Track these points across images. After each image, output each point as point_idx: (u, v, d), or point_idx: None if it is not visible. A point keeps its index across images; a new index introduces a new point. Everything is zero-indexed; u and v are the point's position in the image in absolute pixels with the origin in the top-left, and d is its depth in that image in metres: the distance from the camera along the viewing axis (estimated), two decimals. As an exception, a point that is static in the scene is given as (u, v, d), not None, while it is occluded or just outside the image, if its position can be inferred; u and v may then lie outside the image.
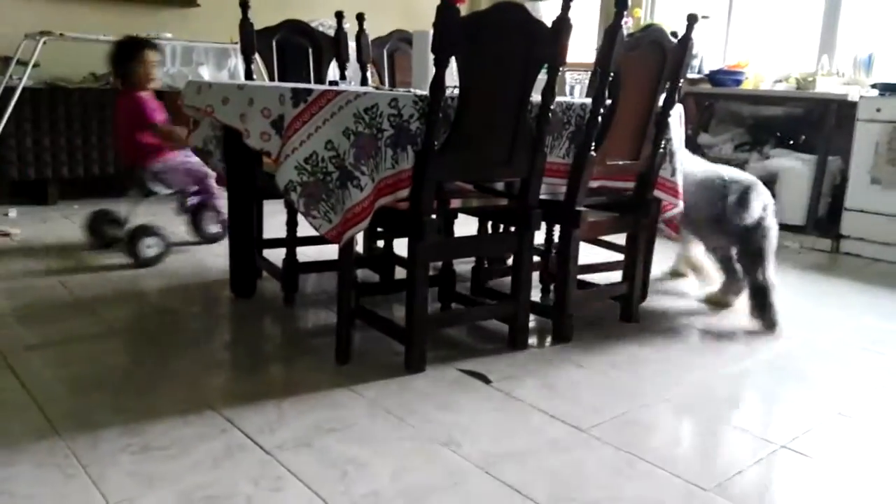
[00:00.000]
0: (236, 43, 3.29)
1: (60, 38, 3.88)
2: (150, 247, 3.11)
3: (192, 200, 3.45)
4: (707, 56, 4.97)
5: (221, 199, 3.22)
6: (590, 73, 3.02)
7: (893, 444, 1.85)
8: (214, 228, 3.55)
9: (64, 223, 3.89)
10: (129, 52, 3.24)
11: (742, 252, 2.73)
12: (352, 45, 3.19)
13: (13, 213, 3.99)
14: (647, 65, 2.38)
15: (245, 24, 2.87)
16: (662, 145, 2.58)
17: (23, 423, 1.71)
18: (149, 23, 4.81)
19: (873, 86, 4.03)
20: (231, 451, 1.62)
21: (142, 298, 2.71)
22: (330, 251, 2.16)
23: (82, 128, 4.33)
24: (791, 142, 4.50)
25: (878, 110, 3.86)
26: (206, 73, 4.71)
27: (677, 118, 2.72)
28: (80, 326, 2.38)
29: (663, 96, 2.49)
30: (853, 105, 3.98)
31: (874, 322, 2.84)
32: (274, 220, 2.87)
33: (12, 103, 3.80)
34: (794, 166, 4.26)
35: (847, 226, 4.03)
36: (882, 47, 4.33)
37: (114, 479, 1.49)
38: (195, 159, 3.09)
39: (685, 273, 3.28)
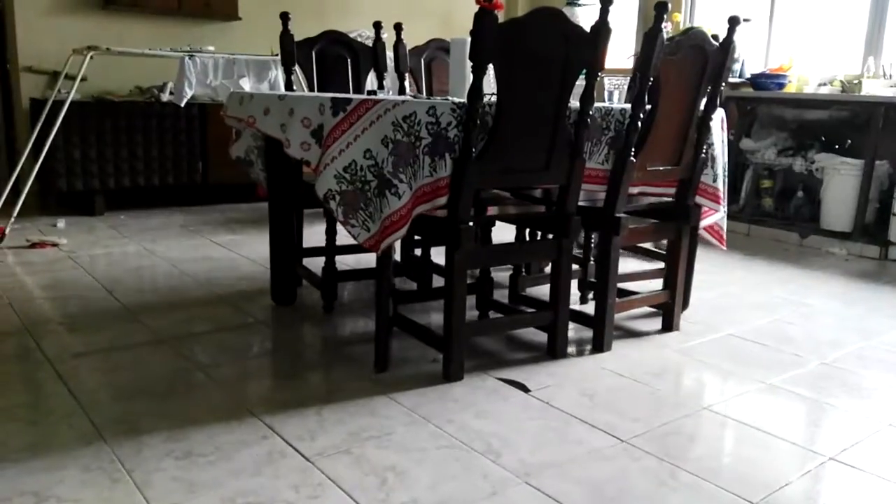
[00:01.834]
0: (277, 55, 3.34)
1: (107, 53, 3.99)
2: None
3: None
4: (749, 59, 4.89)
5: None
6: (629, 78, 2.99)
7: (951, 458, 1.78)
8: None
9: (110, 233, 3.99)
10: None
11: None
12: (390, 54, 3.21)
13: (61, 223, 4.10)
14: (687, 69, 2.35)
15: (285, 36, 2.92)
16: (704, 150, 2.54)
17: (70, 428, 1.75)
18: (192, 36, 4.94)
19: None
20: (272, 458, 1.63)
21: (185, 307, 2.76)
22: (368, 259, 2.18)
23: (128, 140, 4.45)
24: (836, 146, 4.39)
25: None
26: (247, 85, 4.79)
27: (719, 122, 2.67)
28: (125, 334, 2.43)
29: (704, 100, 2.46)
30: (902, 107, 3.87)
31: (928, 331, 2.74)
32: (314, 229, 2.90)
33: (61, 117, 3.92)
34: (840, 171, 4.15)
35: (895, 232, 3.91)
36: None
37: (158, 484, 1.51)
38: None
39: None
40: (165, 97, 4.63)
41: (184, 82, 4.46)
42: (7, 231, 3.65)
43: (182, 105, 4.36)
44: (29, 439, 1.68)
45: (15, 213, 3.77)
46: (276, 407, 1.89)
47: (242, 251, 3.60)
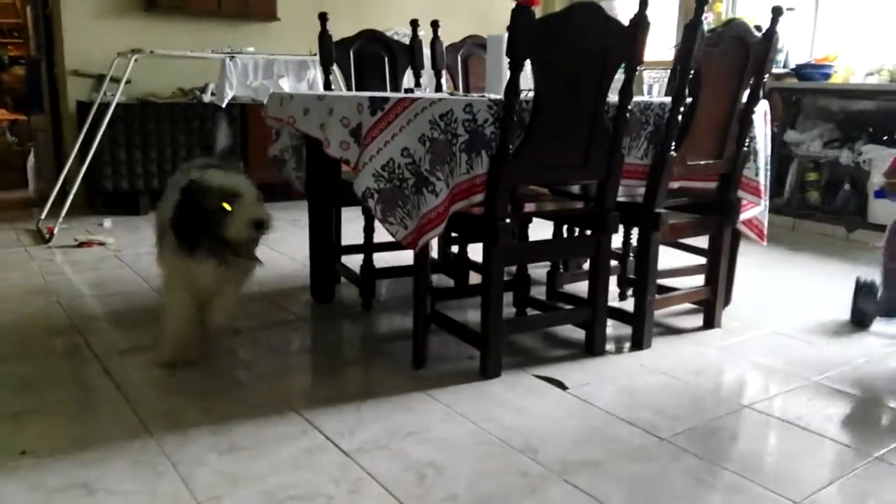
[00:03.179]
0: (315, 54, 3.38)
1: (150, 56, 4.08)
2: None
3: None
4: (793, 50, 4.77)
5: None
6: (668, 71, 2.94)
7: None
8: None
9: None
10: None
11: None
12: (427, 52, 3.22)
13: (108, 222, 4.21)
14: (729, 61, 2.31)
15: (323, 36, 2.95)
16: (746, 143, 2.49)
17: (117, 423, 1.80)
18: (232, 37, 5.01)
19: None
20: (312, 453, 1.65)
21: (226, 303, 2.81)
22: (406, 256, 2.19)
23: (171, 140, 4.54)
24: (884, 137, 4.25)
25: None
26: (286, 85, 4.85)
27: (762, 115, 2.62)
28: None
29: (747, 93, 2.41)
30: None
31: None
32: (351, 227, 2.92)
33: (106, 119, 4.02)
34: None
35: (950, 225, 3.77)
36: None
37: (202, 477, 1.54)
38: None
39: None
40: (207, 98, 4.71)
41: (225, 83, 4.54)
42: (55, 231, 3.76)
43: (223, 106, 4.44)
44: (78, 433, 1.73)
45: (63, 214, 3.88)
46: (315, 402, 1.92)
47: (282, 249, 3.65)
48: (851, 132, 4.37)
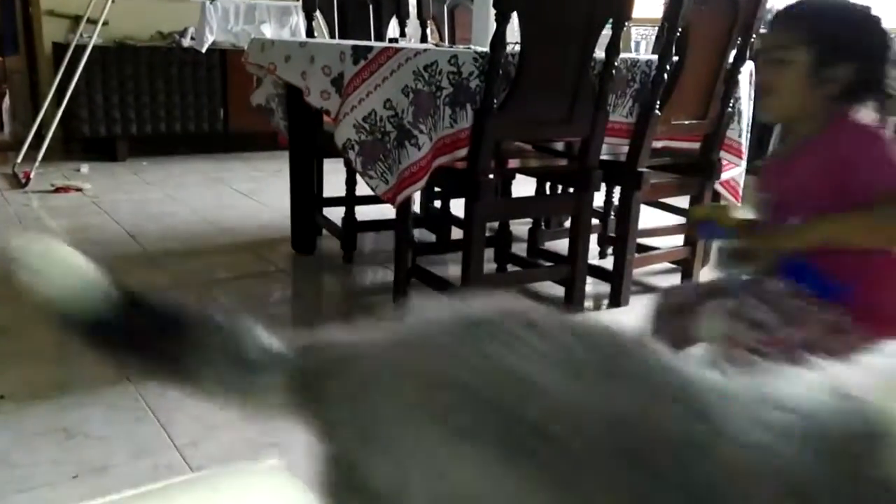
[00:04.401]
0: (298, 0, 3.30)
1: (128, -3, 3.96)
2: None
3: None
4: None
5: None
6: (657, 28, 2.92)
7: None
8: None
9: (132, 179, 4.03)
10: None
11: None
12: (412, 1, 3.16)
13: (85, 168, 4.14)
14: (717, 20, 2.28)
15: (306, -19, 2.88)
16: (731, 104, 2.48)
17: (96, 368, 1.79)
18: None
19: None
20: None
21: (207, 254, 2.80)
22: (389, 210, 2.18)
23: (150, 86, 4.44)
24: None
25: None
26: (268, 31, 4.75)
27: (748, 76, 2.61)
28: (148, 279, 2.48)
29: (734, 52, 2.39)
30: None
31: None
32: (334, 178, 2.90)
33: (83, 61, 3.92)
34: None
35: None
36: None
37: (180, 422, 1.56)
38: None
39: None
40: (186, 42, 4.60)
41: (205, 27, 4.44)
42: (32, 175, 3.70)
43: (203, 51, 4.34)
44: (57, 378, 1.74)
45: (39, 158, 3.80)
46: (295, 353, 1.92)
47: (263, 199, 3.62)
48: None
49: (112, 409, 1.60)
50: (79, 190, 3.63)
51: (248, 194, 3.69)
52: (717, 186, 2.67)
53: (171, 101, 4.51)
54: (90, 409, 1.60)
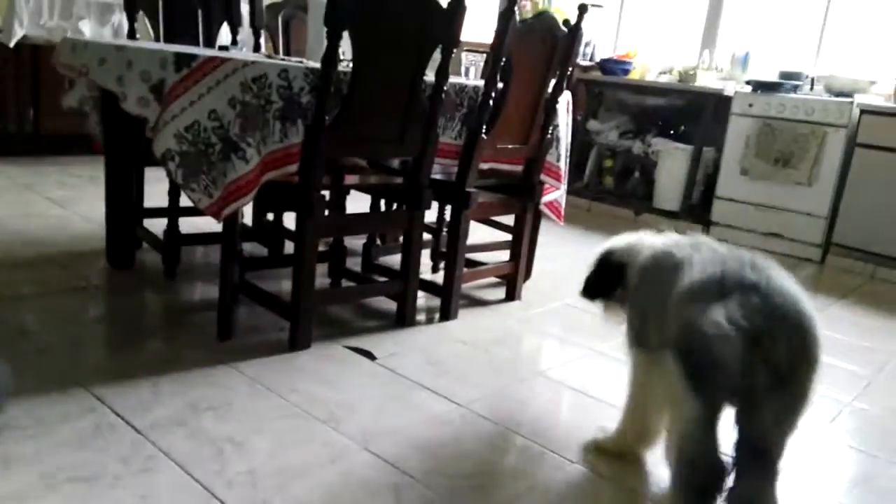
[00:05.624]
0: (119, -3, 3.10)
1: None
2: None
3: None
4: (599, 44, 5.14)
5: None
6: (485, 54, 3.06)
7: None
8: None
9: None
10: None
11: None
12: (245, 8, 3.07)
13: None
14: (537, 51, 2.44)
15: (128, -22, 2.71)
16: (550, 131, 2.66)
17: None
18: (20, -32, 4.43)
19: (748, 82, 4.30)
20: (100, 431, 1.56)
21: (9, 268, 2.53)
22: (216, 222, 2.10)
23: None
24: (672, 131, 4.75)
25: (751, 105, 4.13)
26: (86, 29, 4.41)
27: (565, 105, 2.81)
28: (-68, 297, 2.20)
29: (553, 83, 2.57)
30: (729, 99, 4.24)
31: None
32: (158, 188, 2.75)
33: None
34: (672, 155, 4.50)
35: (717, 213, 4.31)
36: (758, 45, 4.63)
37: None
38: None
39: None
40: (-12, 34, 4.15)
41: (13, 19, 4.05)
42: None
43: (11, 45, 3.95)
44: None
45: None
46: (107, 377, 1.80)
47: (77, 209, 3.34)
48: (644, 125, 4.82)
49: None
50: None
51: (61, 203, 3.40)
52: (542, 208, 2.85)
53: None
54: None
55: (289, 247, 2.88)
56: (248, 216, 2.96)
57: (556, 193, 2.84)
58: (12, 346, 1.93)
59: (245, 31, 3.15)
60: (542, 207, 2.85)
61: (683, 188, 4.46)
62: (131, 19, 2.78)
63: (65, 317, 2.16)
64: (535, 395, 2.01)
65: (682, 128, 4.71)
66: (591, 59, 5.04)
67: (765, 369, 1.22)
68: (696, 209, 4.50)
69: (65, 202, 3.43)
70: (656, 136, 4.69)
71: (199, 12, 3.03)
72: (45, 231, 2.97)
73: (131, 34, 2.78)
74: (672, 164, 4.50)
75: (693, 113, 4.53)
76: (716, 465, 1.28)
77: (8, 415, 1.57)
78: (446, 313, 2.49)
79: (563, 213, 2.95)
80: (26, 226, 3.00)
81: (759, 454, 1.29)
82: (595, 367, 2.24)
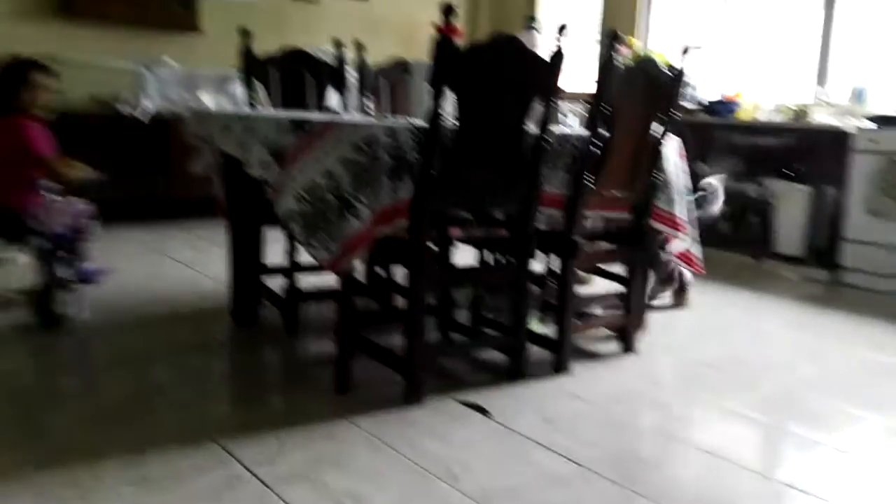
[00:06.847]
0: (238, 68, 3.32)
1: (61, 63, 3.91)
2: (64, 302, 2.61)
3: (45, 243, 2.61)
4: (703, 86, 5.03)
5: (88, 243, 2.77)
6: (587, 103, 3.05)
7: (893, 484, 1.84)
8: (65, 273, 2.64)
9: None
10: (16, 75, 2.88)
11: None
12: (353, 72, 3.22)
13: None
14: (640, 97, 2.41)
15: (246, 52, 2.90)
16: (657, 176, 2.60)
17: (24, 452, 1.70)
18: (151, 47, 4.86)
19: (871, 118, 4.06)
20: (231, 483, 1.61)
21: (144, 327, 2.71)
22: (331, 278, 2.17)
23: (87, 153, 4.30)
24: (787, 172, 4.53)
25: (875, 142, 3.89)
26: (207, 100, 4.75)
27: (673, 149, 2.74)
28: (80, 354, 2.38)
29: (657, 128, 2.52)
30: (847, 136, 4.01)
31: (873, 355, 2.83)
32: (274, 247, 2.88)
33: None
34: (791, 196, 4.29)
35: (845, 257, 4.04)
36: (874, 79, 4.38)
37: (110, 512, 1.48)
38: (73, 198, 2.77)
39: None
40: (125, 109, 4.55)
41: (144, 95, 4.42)
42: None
43: (142, 118, 4.30)
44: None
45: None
46: (234, 431, 1.86)
47: (205, 270, 3.54)
48: (756, 166, 4.63)
49: (40, 496, 1.51)
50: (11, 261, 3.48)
51: (189, 264, 3.62)
52: (675, 260, 2.79)
53: (110, 169, 4.41)
54: (16, 497, 1.50)
55: (400, 301, 2.93)
56: (359, 271, 3.04)
57: (685, 242, 2.75)
58: (149, 402, 2.04)
59: (353, 95, 3.29)
60: (675, 259, 2.77)
61: (806, 231, 4.22)
62: (249, 88, 2.97)
63: (195, 373, 2.28)
64: (660, 454, 1.91)
65: (799, 168, 4.49)
66: (696, 103, 4.93)
67: None
68: (822, 253, 4.23)
69: (192, 263, 3.65)
70: (771, 178, 4.49)
71: (311, 79, 3.20)
72: (175, 291, 3.16)
73: (249, 101, 2.97)
74: (791, 205, 4.28)
75: (809, 151, 4.31)
76: None
77: (148, 467, 1.65)
78: (559, 367, 2.44)
79: (698, 262, 2.84)
80: (158, 287, 3.21)
81: None
82: (724, 426, 2.11)
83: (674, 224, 2.71)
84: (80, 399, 2.03)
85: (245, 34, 2.88)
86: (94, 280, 2.84)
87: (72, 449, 1.73)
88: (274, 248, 2.87)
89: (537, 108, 2.16)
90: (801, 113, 4.40)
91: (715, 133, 4.81)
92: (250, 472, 1.66)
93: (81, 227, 2.70)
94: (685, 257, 2.81)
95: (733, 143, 4.75)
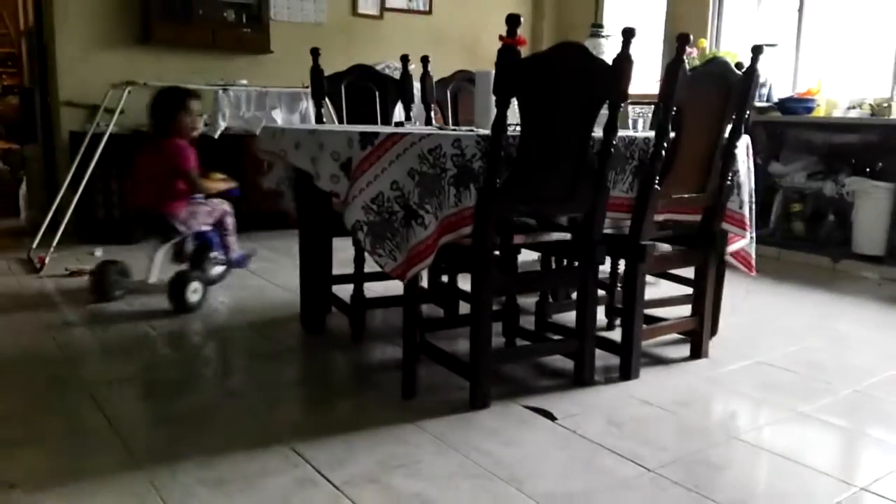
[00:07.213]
0: (307, 87, 3.42)
1: (144, 87, 4.12)
2: (195, 291, 3.07)
3: (191, 245, 3.28)
4: (777, 83, 4.87)
5: (233, 237, 3.35)
6: (653, 105, 3.01)
7: None
8: (216, 270, 3.44)
9: (146, 262, 4.08)
10: (175, 102, 3.20)
11: None
12: (417, 85, 3.28)
13: (99, 251, 4.22)
14: (711, 98, 2.37)
15: (315, 70, 3.00)
16: (729, 177, 2.54)
17: (106, 455, 1.80)
18: (225, 70, 5.07)
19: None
20: (302, 486, 1.66)
21: (216, 334, 2.82)
22: (396, 286, 2.21)
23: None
24: (867, 169, 4.34)
25: (962, 135, 3.69)
26: (278, 117, 4.91)
27: (744, 149, 2.68)
28: (159, 361, 2.50)
29: (729, 128, 2.47)
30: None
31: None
32: (341, 257, 2.95)
33: (100, 148, 4.06)
34: (871, 194, 4.11)
35: (931, 256, 3.84)
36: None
37: (191, 510, 1.55)
38: (215, 200, 3.27)
39: None
40: (200, 129, 4.75)
41: (218, 114, 4.60)
42: (47, 261, 3.77)
43: (216, 136, 4.48)
44: (67, 465, 1.73)
45: (54, 243, 3.89)
46: (305, 434, 1.92)
47: (274, 279, 3.66)
48: (834, 164, 4.45)
49: (122, 496, 1.60)
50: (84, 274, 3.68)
51: (260, 274, 3.74)
52: (729, 258, 2.71)
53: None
54: (100, 497, 1.59)
55: (463, 307, 2.95)
56: (423, 279, 3.08)
57: (742, 242, 2.68)
58: (223, 407, 2.13)
59: (417, 107, 3.35)
60: (729, 258, 2.70)
61: (887, 230, 4.03)
62: (318, 105, 3.07)
63: (266, 378, 2.36)
64: (732, 460, 1.87)
65: (880, 164, 4.29)
66: (767, 100, 4.78)
67: None
68: (905, 252, 4.04)
69: (264, 273, 3.77)
70: (850, 175, 4.31)
71: (377, 93, 3.28)
72: (248, 300, 3.28)
73: (318, 119, 3.06)
74: (871, 204, 4.10)
75: (889, 148, 4.12)
76: None
77: (223, 469, 1.72)
78: (626, 372, 2.41)
79: (753, 262, 2.77)
80: (232, 296, 3.34)
81: None
82: (799, 431, 2.05)
83: (743, 225, 2.64)
84: (158, 402, 2.13)
85: (314, 53, 2.98)
86: (243, 264, 3.48)
87: (150, 451, 1.82)
88: (342, 259, 2.94)
89: (604, 112, 2.16)
90: (879, 108, 4.21)
91: (789, 131, 4.66)
92: (321, 474, 1.71)
93: (224, 224, 3.31)
94: (741, 257, 2.73)
95: (808, 140, 4.59)
